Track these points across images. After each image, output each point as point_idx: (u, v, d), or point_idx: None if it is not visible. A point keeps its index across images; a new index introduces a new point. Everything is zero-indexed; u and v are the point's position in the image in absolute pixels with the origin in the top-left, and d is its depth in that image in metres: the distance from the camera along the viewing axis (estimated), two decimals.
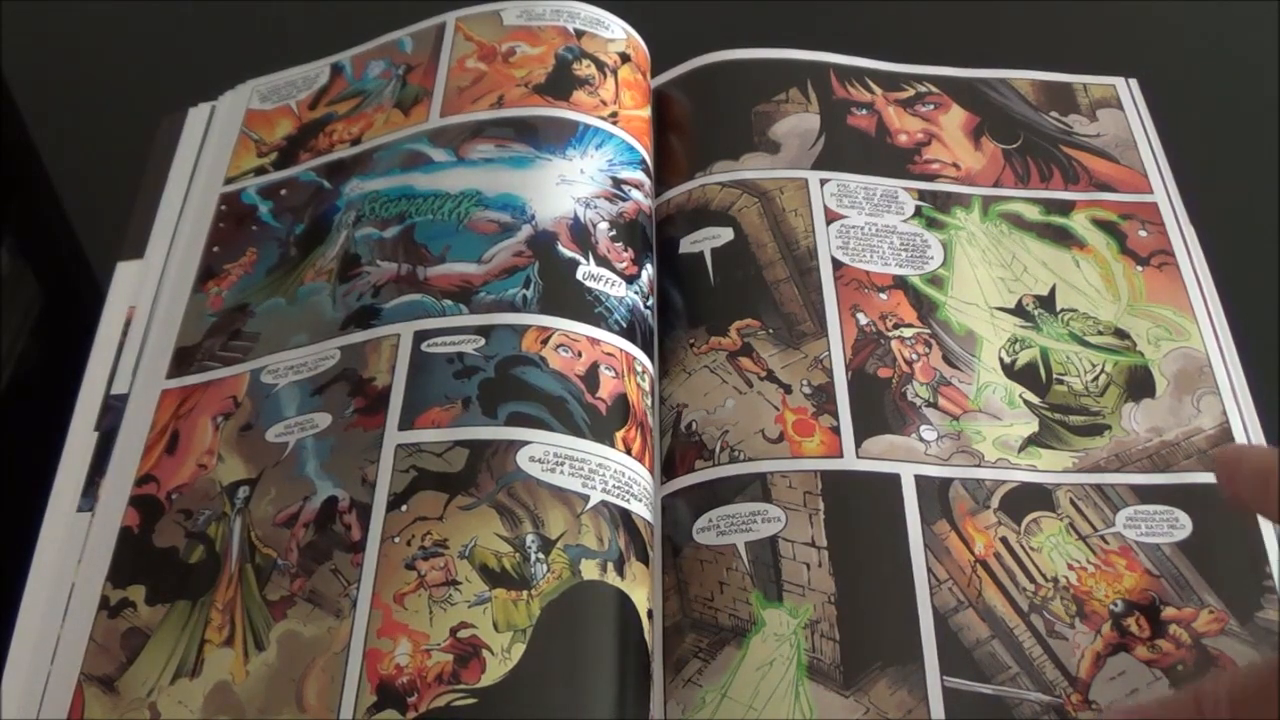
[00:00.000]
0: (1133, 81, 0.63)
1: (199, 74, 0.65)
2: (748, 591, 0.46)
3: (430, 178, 0.54)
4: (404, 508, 0.45)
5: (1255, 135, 0.63)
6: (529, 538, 0.44)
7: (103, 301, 0.55)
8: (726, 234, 0.55)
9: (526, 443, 0.46)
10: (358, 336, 0.50)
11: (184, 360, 0.52)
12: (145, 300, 0.54)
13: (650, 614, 0.44)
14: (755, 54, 0.62)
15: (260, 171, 0.58)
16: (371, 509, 0.45)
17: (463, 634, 0.42)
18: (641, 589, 0.44)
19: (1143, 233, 0.57)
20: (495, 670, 0.41)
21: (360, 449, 0.47)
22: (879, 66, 0.63)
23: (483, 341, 0.48)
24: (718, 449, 0.49)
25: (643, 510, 0.46)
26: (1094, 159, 0.59)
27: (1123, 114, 0.61)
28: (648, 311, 0.52)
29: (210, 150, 0.60)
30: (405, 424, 0.47)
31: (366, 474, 0.46)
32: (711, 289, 0.54)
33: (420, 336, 0.49)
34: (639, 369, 0.50)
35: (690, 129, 0.60)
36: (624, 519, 0.45)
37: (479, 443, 0.46)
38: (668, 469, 0.50)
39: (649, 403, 0.50)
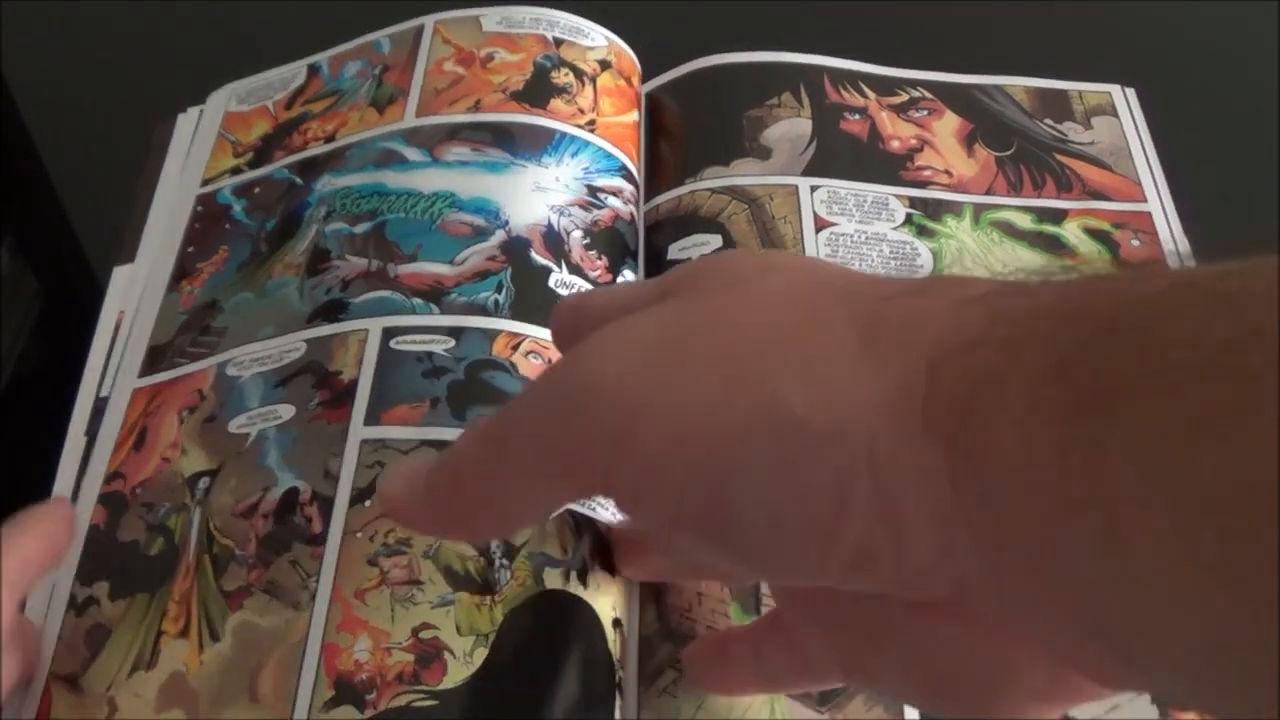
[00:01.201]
0: (1129, 90, 0.62)
1: (200, 74, 0.65)
2: (726, 604, 0.46)
3: (403, 176, 0.55)
4: (367, 503, 0.45)
5: (1251, 143, 0.62)
6: (493, 543, 0.44)
7: (103, 303, 0.56)
8: (715, 241, 0.56)
9: None
10: (324, 330, 0.50)
11: (156, 359, 0.53)
12: (132, 304, 0.55)
13: (617, 623, 0.45)
14: (748, 57, 0.63)
15: (236, 171, 0.59)
16: (334, 502, 0.45)
17: (425, 634, 0.42)
18: (606, 598, 0.45)
19: (1135, 242, 0.57)
20: (457, 673, 0.42)
21: (323, 442, 0.47)
22: (873, 70, 0.64)
23: (453, 343, 0.49)
24: None
25: (611, 518, 0.46)
26: (1088, 167, 0.59)
27: (1118, 122, 0.61)
28: None
29: (190, 153, 0.61)
30: (371, 419, 0.47)
31: (329, 467, 0.46)
32: None
33: (389, 333, 0.49)
34: None
35: (681, 134, 0.61)
36: (590, 527, 0.45)
37: (447, 444, 0.45)
38: None
39: None
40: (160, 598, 0.45)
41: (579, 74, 0.58)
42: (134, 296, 0.55)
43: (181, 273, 0.55)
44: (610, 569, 0.45)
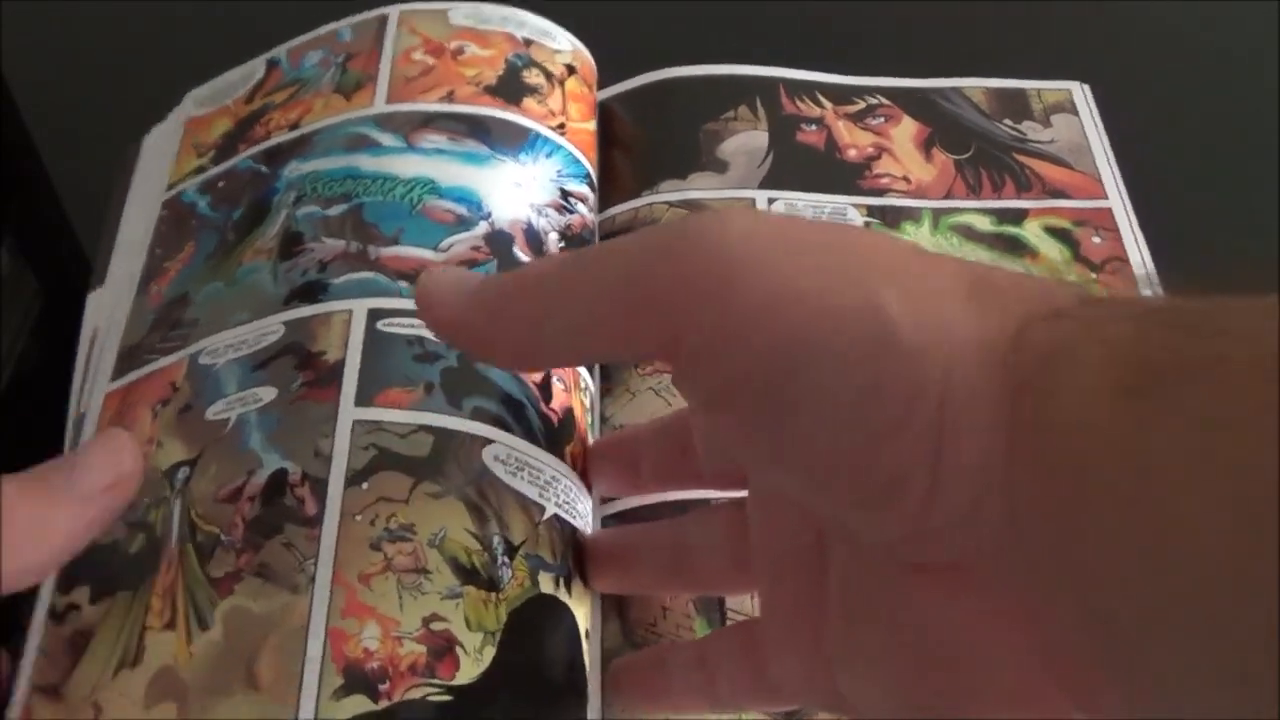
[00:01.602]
0: (1086, 87, 0.62)
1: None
2: (691, 619, 0.46)
3: (378, 160, 0.53)
4: (365, 485, 0.43)
5: (1203, 136, 0.64)
6: (495, 539, 0.42)
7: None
8: None
9: (491, 441, 0.45)
10: (304, 311, 0.48)
11: (126, 361, 0.51)
12: (105, 317, 0.54)
13: (587, 634, 0.44)
14: (704, 71, 0.63)
15: (200, 171, 0.57)
16: (327, 483, 0.43)
17: (436, 626, 0.40)
18: (582, 609, 0.44)
19: (1096, 239, 0.57)
20: (469, 669, 0.40)
21: (311, 422, 0.45)
22: (829, 80, 0.64)
23: None
24: None
25: (585, 530, 0.46)
26: (1047, 165, 0.60)
27: (1077, 119, 0.61)
28: None
29: (154, 164, 0.59)
30: (363, 400, 0.45)
31: (320, 447, 0.44)
32: None
33: (375, 315, 0.47)
34: (582, 384, 0.50)
35: (637, 147, 0.61)
36: (571, 536, 0.45)
37: (445, 431, 0.44)
38: None
39: (590, 420, 0.50)
40: (143, 593, 0.43)
41: (549, 76, 0.58)
42: (105, 314, 0.54)
43: (149, 275, 0.54)
44: (585, 580, 0.45)
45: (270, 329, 0.48)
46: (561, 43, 0.60)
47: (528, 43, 0.59)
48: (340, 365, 0.46)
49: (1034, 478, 0.27)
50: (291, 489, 0.43)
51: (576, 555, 0.45)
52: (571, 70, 0.59)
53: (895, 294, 0.29)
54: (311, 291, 0.49)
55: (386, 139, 0.54)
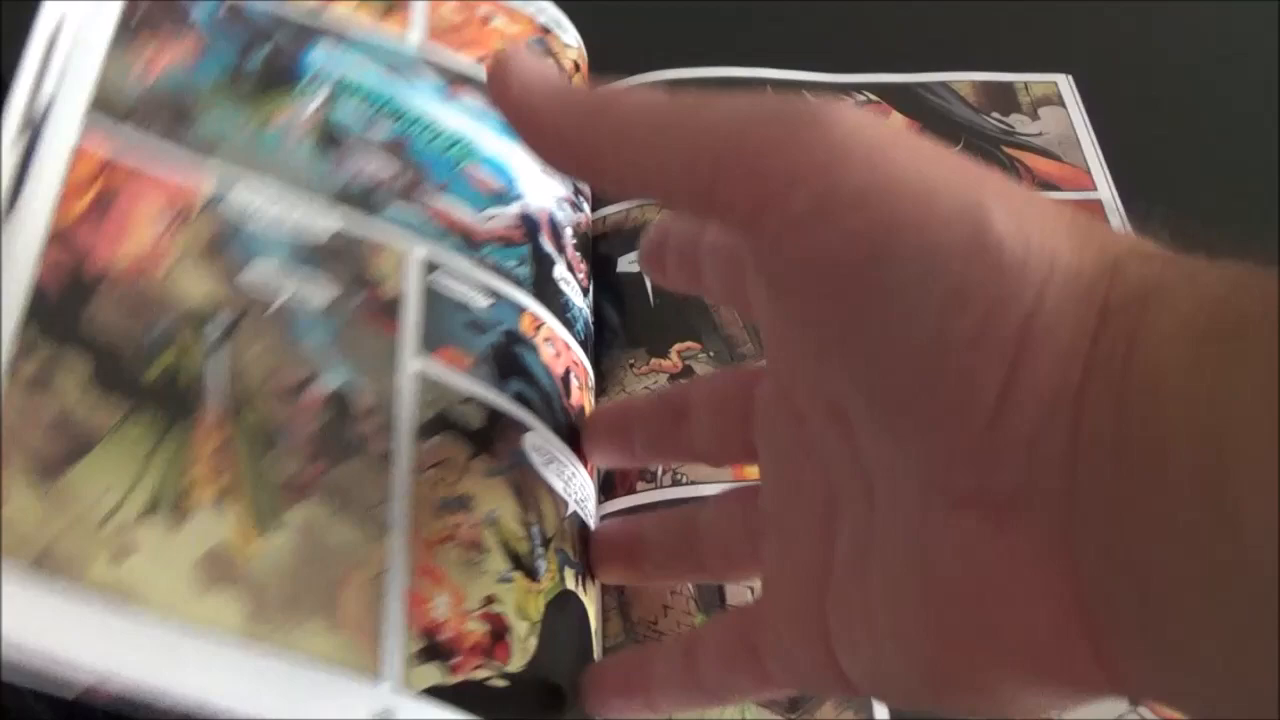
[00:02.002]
0: (1071, 79, 0.63)
1: None
2: (692, 615, 0.46)
3: (421, 100, 0.50)
4: (429, 443, 0.41)
5: (1181, 125, 0.65)
6: (534, 528, 0.42)
7: None
8: None
9: (528, 429, 0.44)
10: (356, 226, 0.45)
11: (106, 113, 0.43)
12: (72, 23, 0.46)
13: (596, 632, 0.44)
14: (691, 73, 0.63)
15: None
16: (397, 426, 0.41)
17: (493, 607, 0.39)
18: (593, 606, 0.44)
19: None
20: (518, 659, 0.39)
21: (376, 353, 0.42)
22: (817, 78, 0.64)
23: (489, 303, 0.46)
24: (659, 471, 0.49)
25: (590, 521, 0.45)
26: (1036, 158, 0.60)
27: (1064, 111, 0.61)
28: (591, 328, 0.52)
29: None
30: (425, 349, 0.43)
31: (385, 386, 0.41)
32: (651, 310, 0.54)
33: (429, 267, 0.45)
34: (590, 384, 0.49)
35: None
36: (585, 534, 0.45)
37: (493, 410, 0.43)
38: (606, 488, 0.50)
39: None
40: (179, 441, 0.37)
41: (561, 69, 0.57)
42: (75, 12, 0.46)
43: (129, 28, 0.46)
44: (593, 578, 0.44)
45: (318, 225, 0.44)
46: (571, 38, 0.59)
47: (545, 30, 0.58)
48: (396, 303, 0.43)
49: (1104, 411, 0.27)
50: (364, 417, 0.41)
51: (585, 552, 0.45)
52: (577, 67, 0.59)
53: (1002, 205, 0.29)
54: (365, 204, 0.46)
55: (427, 80, 0.51)
